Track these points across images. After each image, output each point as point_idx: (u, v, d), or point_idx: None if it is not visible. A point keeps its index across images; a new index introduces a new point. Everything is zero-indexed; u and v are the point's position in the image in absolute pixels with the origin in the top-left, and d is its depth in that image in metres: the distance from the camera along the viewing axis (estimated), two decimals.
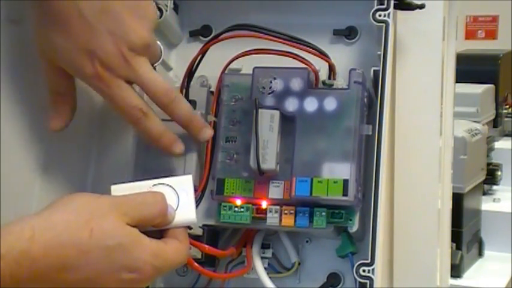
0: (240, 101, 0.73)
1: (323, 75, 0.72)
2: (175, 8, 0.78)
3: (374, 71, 0.72)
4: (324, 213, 0.68)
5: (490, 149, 1.80)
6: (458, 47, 0.83)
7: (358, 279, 0.64)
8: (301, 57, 0.71)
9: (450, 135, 0.79)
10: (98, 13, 0.66)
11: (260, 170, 0.69)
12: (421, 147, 0.74)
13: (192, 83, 0.74)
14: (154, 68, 0.69)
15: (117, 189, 0.64)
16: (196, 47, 0.75)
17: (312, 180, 0.68)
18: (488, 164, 1.75)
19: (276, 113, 0.70)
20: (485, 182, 1.73)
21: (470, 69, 1.83)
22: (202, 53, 0.74)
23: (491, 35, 2.84)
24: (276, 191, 0.70)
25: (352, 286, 0.72)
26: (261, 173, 0.69)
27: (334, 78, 0.72)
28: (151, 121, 0.69)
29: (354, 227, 0.69)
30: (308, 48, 0.71)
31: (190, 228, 0.69)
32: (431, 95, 0.75)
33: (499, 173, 1.76)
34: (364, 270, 0.64)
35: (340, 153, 0.68)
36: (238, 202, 0.70)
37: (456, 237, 1.55)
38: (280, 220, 0.69)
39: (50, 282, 0.56)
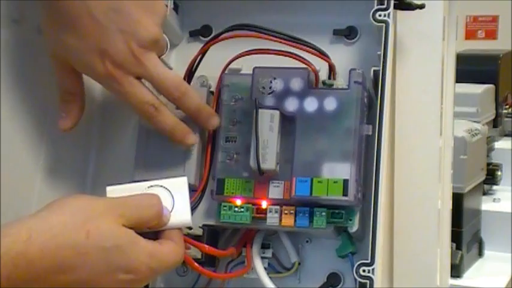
0: (240, 101, 0.73)
1: (323, 75, 0.72)
2: (175, 8, 0.78)
3: (374, 71, 0.72)
4: (324, 213, 0.68)
5: (490, 149, 1.80)
6: (458, 47, 0.83)
7: (358, 279, 0.64)
8: (301, 57, 0.71)
9: (450, 135, 0.79)
10: (107, 11, 0.66)
11: (260, 170, 0.69)
12: (421, 147, 0.74)
13: (192, 83, 0.74)
14: None
15: (113, 191, 0.64)
16: (196, 47, 0.75)
17: (312, 180, 0.68)
18: (488, 164, 1.75)
19: (276, 113, 0.70)
20: (485, 182, 1.73)
21: (470, 69, 1.83)
22: (202, 53, 0.74)
23: (491, 35, 2.84)
24: (276, 191, 0.70)
25: (352, 286, 0.71)
26: (261, 173, 0.69)
27: (334, 78, 0.72)
28: (164, 115, 0.70)
29: (354, 227, 0.69)
30: (308, 48, 0.71)
31: (190, 228, 0.69)
32: (431, 95, 0.75)
33: (499, 173, 1.76)
34: (364, 270, 0.64)
35: (340, 153, 0.68)
36: (238, 202, 0.70)
37: (456, 237, 1.55)
38: (280, 220, 0.69)
39: (47, 283, 0.56)
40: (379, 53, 0.68)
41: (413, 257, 0.74)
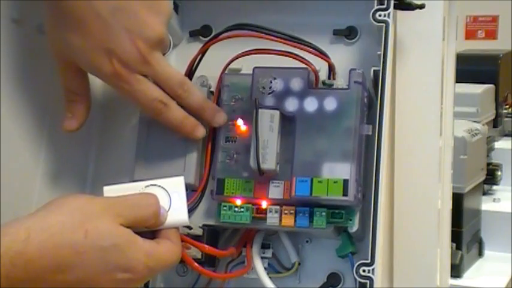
0: (240, 101, 0.73)
1: (323, 75, 0.72)
2: (175, 8, 0.78)
3: (374, 71, 0.72)
4: (324, 213, 0.68)
5: (490, 149, 1.80)
6: (458, 47, 0.83)
7: (358, 279, 0.64)
8: (301, 57, 0.71)
9: (450, 135, 0.79)
10: (113, 10, 0.66)
11: (260, 170, 0.69)
12: (421, 147, 0.74)
13: (192, 82, 0.74)
14: None
15: (110, 190, 0.65)
16: (196, 47, 0.75)
17: (312, 180, 0.68)
18: (488, 164, 1.75)
19: (276, 113, 0.70)
20: (485, 182, 1.74)
21: (470, 69, 1.83)
22: (202, 52, 0.74)
23: (491, 35, 2.84)
24: (276, 191, 0.70)
25: (352, 286, 0.72)
26: (261, 173, 0.69)
27: (334, 78, 0.72)
28: (172, 111, 0.70)
29: (354, 227, 0.69)
30: (308, 48, 0.71)
31: (190, 228, 0.69)
32: (431, 95, 0.75)
33: (499, 173, 1.77)
34: (364, 270, 0.64)
35: (340, 153, 0.68)
36: (238, 202, 0.70)
37: (456, 237, 1.55)
38: (280, 220, 0.69)
39: (45, 282, 0.56)
40: (379, 53, 0.68)
41: (413, 257, 0.74)
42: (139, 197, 0.64)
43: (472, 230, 1.64)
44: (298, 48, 0.71)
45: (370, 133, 0.69)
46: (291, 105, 0.70)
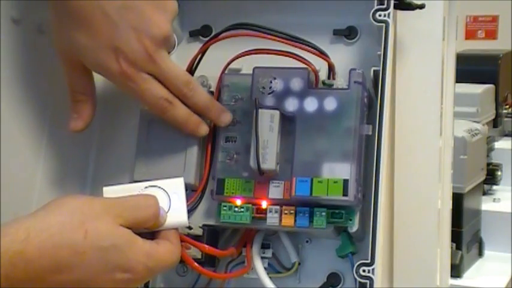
0: (240, 101, 0.73)
1: (323, 75, 0.72)
2: None
3: (374, 71, 0.72)
4: (324, 213, 0.68)
5: (490, 149, 1.80)
6: (458, 47, 0.83)
7: (358, 279, 0.64)
8: (301, 57, 0.71)
9: (450, 135, 0.79)
10: (119, 9, 0.66)
11: (260, 170, 0.69)
12: (421, 147, 0.74)
13: None
14: None
15: (109, 191, 0.65)
16: (196, 47, 0.75)
17: (312, 180, 0.68)
18: (488, 164, 1.75)
19: (276, 113, 0.70)
20: (485, 182, 1.73)
21: (470, 69, 1.83)
22: (202, 52, 0.74)
23: (491, 35, 2.84)
24: (276, 191, 0.70)
25: (352, 286, 0.72)
26: (261, 173, 0.69)
27: (334, 78, 0.72)
28: (177, 109, 0.70)
29: (354, 227, 0.69)
30: (308, 48, 0.71)
31: (190, 228, 0.69)
32: (431, 95, 0.75)
33: (499, 173, 1.76)
34: (364, 270, 0.64)
35: (340, 153, 0.68)
36: (238, 202, 0.70)
37: (456, 237, 1.55)
38: (280, 220, 0.69)
39: (45, 283, 0.56)
40: (379, 53, 0.68)
41: (413, 257, 0.74)
42: (139, 198, 0.64)
43: (472, 230, 1.64)
44: (298, 48, 0.71)
45: (370, 133, 0.69)
46: (291, 105, 0.70)
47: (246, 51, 0.72)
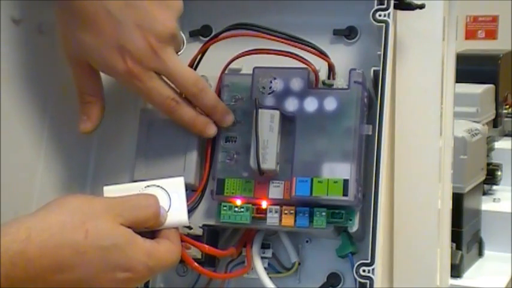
0: (240, 101, 0.73)
1: (323, 75, 0.72)
2: None
3: (374, 71, 0.72)
4: (324, 213, 0.68)
5: (490, 149, 1.80)
6: (458, 47, 0.83)
7: (358, 279, 0.64)
8: (301, 57, 0.71)
9: (450, 135, 0.79)
10: (123, 7, 0.66)
11: (260, 170, 0.69)
12: (421, 147, 0.74)
13: None
14: None
15: (110, 190, 0.65)
16: (196, 47, 0.75)
17: (312, 180, 0.68)
18: (488, 164, 1.75)
19: (276, 113, 0.70)
20: (485, 182, 1.74)
21: (470, 69, 1.83)
22: (202, 52, 0.74)
23: (491, 35, 2.84)
24: (276, 191, 0.70)
25: (352, 286, 0.72)
26: (261, 173, 0.69)
27: (334, 78, 0.72)
28: (184, 109, 0.70)
29: (354, 227, 0.69)
30: (308, 48, 0.71)
31: (190, 228, 0.69)
32: (431, 95, 0.75)
33: (499, 173, 1.77)
34: (364, 270, 0.64)
35: (340, 153, 0.68)
36: (238, 202, 0.70)
37: (456, 237, 1.55)
38: (280, 220, 0.69)
39: (46, 282, 0.56)
40: (379, 53, 0.68)
41: (413, 257, 0.74)
42: (140, 197, 0.64)
43: (472, 230, 1.64)
44: (298, 48, 0.71)
45: (370, 133, 0.69)
46: (291, 105, 0.70)
47: (246, 51, 0.72)
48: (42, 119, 0.75)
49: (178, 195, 0.66)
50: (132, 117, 0.77)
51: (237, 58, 0.73)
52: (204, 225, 0.72)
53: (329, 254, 0.74)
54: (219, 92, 0.73)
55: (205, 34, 0.79)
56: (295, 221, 0.69)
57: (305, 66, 0.71)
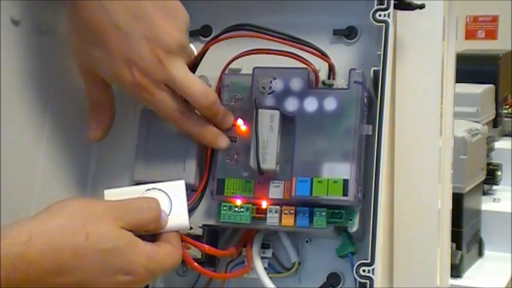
0: (240, 101, 0.73)
1: (323, 75, 0.72)
2: None
3: (374, 71, 0.72)
4: (324, 213, 0.68)
5: (490, 149, 1.80)
6: (458, 47, 0.83)
7: (358, 279, 0.64)
8: (301, 57, 0.71)
9: (450, 135, 0.79)
10: (130, 20, 0.66)
11: (260, 170, 0.69)
12: (421, 147, 0.74)
13: None
14: None
15: (110, 194, 0.65)
16: (196, 47, 0.75)
17: (312, 180, 0.68)
18: (488, 164, 1.75)
19: (276, 113, 0.70)
20: (485, 182, 1.73)
21: (470, 69, 1.83)
22: (202, 53, 0.74)
23: (491, 35, 2.84)
24: (276, 191, 0.70)
25: (352, 286, 0.72)
26: (261, 173, 0.69)
27: (334, 78, 0.72)
28: (192, 120, 0.70)
29: (354, 227, 0.69)
30: (308, 48, 0.71)
31: (190, 228, 0.69)
32: (431, 95, 0.75)
33: (499, 173, 1.77)
34: (364, 270, 0.64)
35: (340, 153, 0.68)
36: (238, 202, 0.70)
37: (456, 237, 1.55)
38: (280, 220, 0.69)
39: (46, 285, 0.57)
40: (379, 53, 0.68)
41: (413, 257, 0.74)
42: (141, 200, 0.64)
43: (472, 230, 1.64)
44: (298, 48, 0.71)
45: (370, 133, 0.69)
46: (291, 105, 0.70)
47: (246, 51, 0.72)
48: (42, 119, 0.75)
49: (179, 198, 0.66)
50: (132, 118, 0.77)
51: (237, 58, 0.73)
52: (204, 225, 0.72)
53: (329, 254, 0.74)
54: (219, 92, 0.73)
55: (205, 34, 0.79)
56: (295, 221, 0.69)
57: (305, 66, 0.71)
